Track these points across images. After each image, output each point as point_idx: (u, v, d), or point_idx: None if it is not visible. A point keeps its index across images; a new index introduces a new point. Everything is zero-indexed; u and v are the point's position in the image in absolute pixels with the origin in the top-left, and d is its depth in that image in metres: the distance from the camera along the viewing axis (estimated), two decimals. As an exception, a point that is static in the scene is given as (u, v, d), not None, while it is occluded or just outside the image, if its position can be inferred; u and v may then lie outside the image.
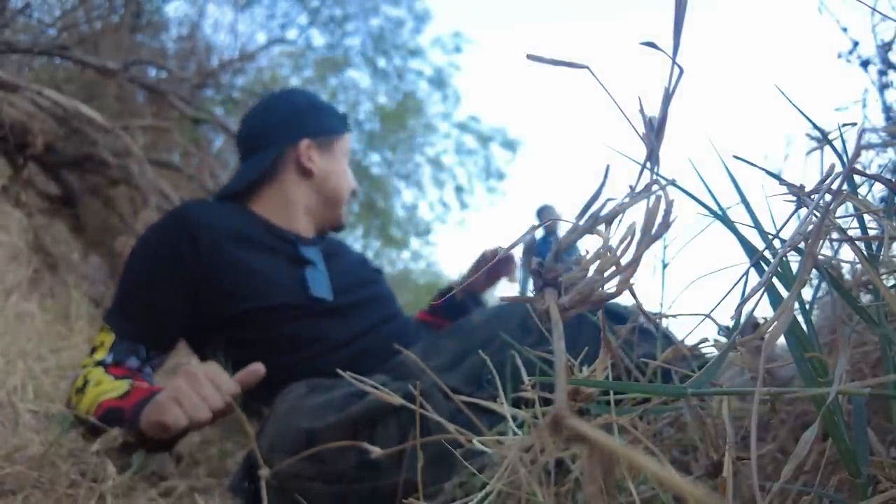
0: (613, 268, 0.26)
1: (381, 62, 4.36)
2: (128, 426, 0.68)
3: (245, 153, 0.98)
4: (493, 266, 1.02)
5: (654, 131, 0.27)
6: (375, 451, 0.42)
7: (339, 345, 0.84)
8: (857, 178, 0.34)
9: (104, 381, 0.75)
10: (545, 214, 3.51)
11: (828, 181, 0.31)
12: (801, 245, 0.29)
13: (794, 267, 0.35)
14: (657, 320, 0.48)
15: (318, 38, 4.01)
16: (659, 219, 0.26)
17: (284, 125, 0.96)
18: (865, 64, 0.60)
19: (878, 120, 0.60)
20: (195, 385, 0.67)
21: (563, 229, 0.26)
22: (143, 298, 0.82)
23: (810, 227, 0.29)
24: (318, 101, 1.05)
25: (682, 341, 0.36)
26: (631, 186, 0.27)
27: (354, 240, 4.48)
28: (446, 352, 0.73)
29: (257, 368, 0.71)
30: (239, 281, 0.82)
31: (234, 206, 0.92)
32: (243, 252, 0.83)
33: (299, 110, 0.99)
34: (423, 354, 0.70)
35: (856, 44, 0.62)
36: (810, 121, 0.38)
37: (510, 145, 4.83)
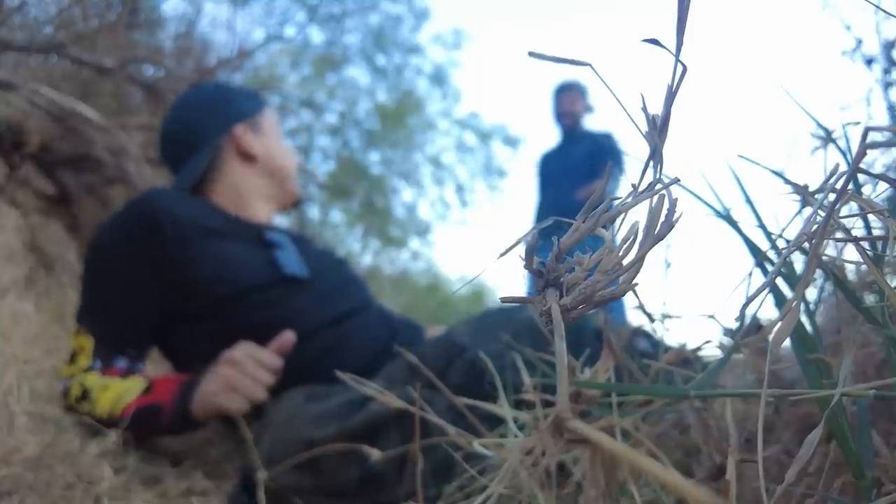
0: (616, 268, 0.25)
1: (381, 59, 4.36)
2: (171, 420, 0.71)
3: (176, 160, 0.93)
4: None
5: (658, 130, 0.26)
6: (375, 453, 0.41)
7: (320, 327, 0.81)
8: (861, 178, 0.34)
9: (111, 383, 0.74)
10: (569, 98, 2.36)
11: (832, 180, 0.30)
12: (806, 245, 0.29)
13: (799, 267, 0.35)
14: (658, 322, 0.48)
15: (317, 36, 4.01)
16: (662, 218, 0.25)
17: (211, 119, 0.91)
18: (870, 62, 0.60)
19: (883, 118, 0.59)
20: (242, 368, 0.70)
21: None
22: (113, 297, 0.79)
23: (814, 227, 0.29)
24: (230, 85, 1.02)
25: (685, 343, 0.36)
26: (634, 185, 0.27)
27: (354, 240, 4.47)
28: (432, 362, 0.71)
29: (289, 337, 0.73)
30: (207, 269, 0.79)
31: (196, 197, 0.89)
32: (209, 240, 0.80)
33: (218, 100, 0.95)
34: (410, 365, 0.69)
35: (860, 42, 0.61)
36: (814, 119, 0.37)
37: (511, 142, 4.83)
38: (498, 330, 0.67)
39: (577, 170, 2.20)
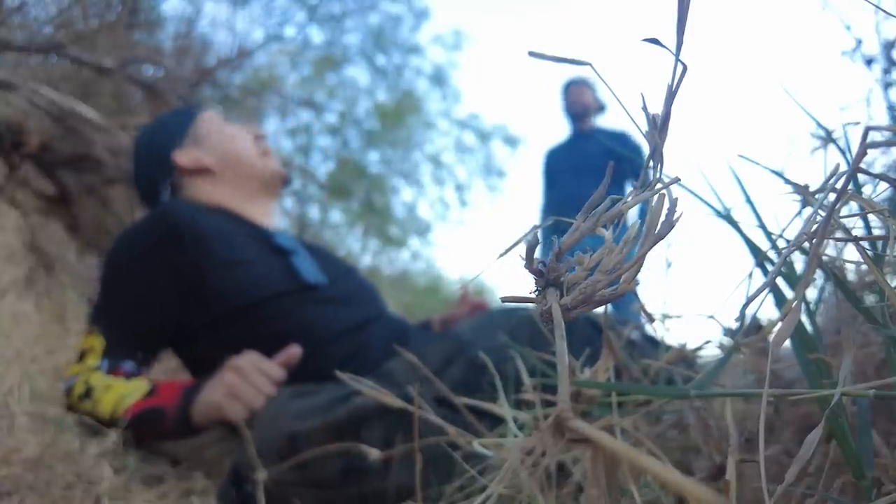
0: (616, 268, 0.25)
1: (381, 59, 4.35)
2: (174, 423, 0.71)
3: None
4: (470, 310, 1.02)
5: (658, 129, 0.26)
6: (373, 452, 0.41)
7: (339, 335, 0.81)
8: (861, 178, 0.34)
9: (115, 384, 0.74)
10: (578, 90, 2.34)
11: (832, 180, 0.30)
12: (806, 245, 0.29)
13: (799, 267, 0.35)
14: (658, 322, 0.48)
15: (317, 36, 4.01)
16: (662, 218, 0.25)
17: (150, 165, 0.92)
18: (869, 62, 0.60)
19: (883, 118, 0.59)
20: (246, 377, 0.70)
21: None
22: (130, 303, 0.80)
23: (815, 227, 0.29)
24: (157, 119, 1.03)
25: (685, 343, 0.36)
26: (634, 185, 0.27)
27: (354, 240, 4.47)
28: (433, 359, 0.71)
29: (295, 351, 0.73)
30: (227, 277, 0.80)
31: (210, 204, 0.89)
32: (228, 247, 0.81)
33: (148, 143, 0.95)
34: (409, 363, 0.69)
35: (860, 42, 0.62)
36: (814, 119, 0.37)
37: (511, 142, 4.82)
38: (501, 329, 0.67)
39: (596, 168, 2.14)
